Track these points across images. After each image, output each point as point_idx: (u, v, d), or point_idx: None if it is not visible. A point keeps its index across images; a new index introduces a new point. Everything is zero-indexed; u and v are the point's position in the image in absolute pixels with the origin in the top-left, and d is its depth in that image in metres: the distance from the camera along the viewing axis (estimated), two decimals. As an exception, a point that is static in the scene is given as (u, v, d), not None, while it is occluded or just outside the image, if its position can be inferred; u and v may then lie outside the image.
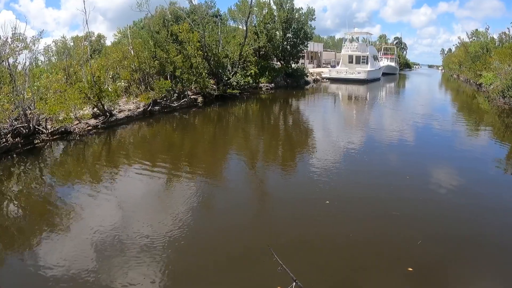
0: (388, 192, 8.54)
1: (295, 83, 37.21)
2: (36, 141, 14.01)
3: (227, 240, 6.41)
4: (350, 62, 50.40)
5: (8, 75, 15.34)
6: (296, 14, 36.64)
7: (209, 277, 5.33)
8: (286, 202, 8.13)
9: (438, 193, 8.46)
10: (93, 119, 15.97)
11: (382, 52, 72.69)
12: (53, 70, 17.85)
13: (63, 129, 14.80)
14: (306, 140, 14.92)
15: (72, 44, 23.06)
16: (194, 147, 14.11)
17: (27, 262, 6.08)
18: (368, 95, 34.70)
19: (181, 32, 22.35)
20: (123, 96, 18.61)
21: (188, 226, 6.85)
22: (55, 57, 24.23)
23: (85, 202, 8.38)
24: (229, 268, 5.54)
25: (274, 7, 35.84)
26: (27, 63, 16.11)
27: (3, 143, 13.37)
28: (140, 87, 19.18)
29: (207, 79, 22.97)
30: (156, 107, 18.75)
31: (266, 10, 35.22)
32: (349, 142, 13.44)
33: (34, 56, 17.23)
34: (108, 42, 32.60)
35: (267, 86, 31.95)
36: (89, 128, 15.42)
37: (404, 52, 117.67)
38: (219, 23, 28.34)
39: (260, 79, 31.04)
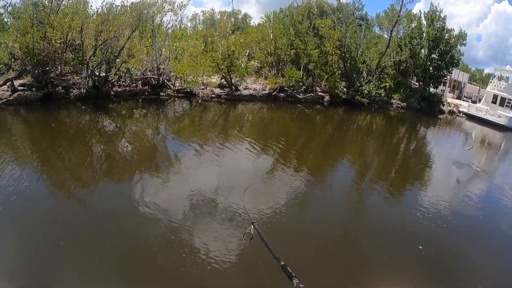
0: (487, 260, 6.33)
1: (428, 109, 33.38)
2: (162, 94, 14.65)
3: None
4: (493, 102, 43.94)
5: (151, 31, 15.98)
6: (446, 34, 32.82)
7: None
8: (376, 236, 6.52)
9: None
10: (218, 88, 15.86)
11: (534, 100, 62.68)
12: (194, 36, 18.17)
13: (188, 90, 15.10)
14: (422, 173, 12.21)
15: (218, 17, 23.63)
16: (306, 143, 12.87)
17: (123, 194, 6.44)
18: (502, 145, 29.03)
19: (323, 27, 21.27)
20: (252, 75, 18.23)
21: (275, 211, 6.41)
22: (200, 25, 25.13)
23: (189, 159, 8.68)
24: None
25: (424, 22, 32.59)
26: (170, 24, 16.65)
27: (133, 87, 14.12)
28: (271, 71, 18.58)
29: (339, 80, 21.45)
30: (281, 94, 17.96)
31: (415, 24, 32.20)
32: (467, 192, 10.35)
33: (179, 19, 17.77)
34: (252, 23, 33.08)
35: (398, 104, 29.11)
36: (212, 95, 15.37)
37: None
38: (364, 27, 26.56)
39: (393, 95, 28.40)
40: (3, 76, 17.20)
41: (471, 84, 66.61)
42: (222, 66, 15.90)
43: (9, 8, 21.54)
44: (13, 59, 17.85)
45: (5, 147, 9.56)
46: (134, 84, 14.66)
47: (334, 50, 21.24)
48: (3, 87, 16.10)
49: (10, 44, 17.50)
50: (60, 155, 8.98)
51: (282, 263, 1.44)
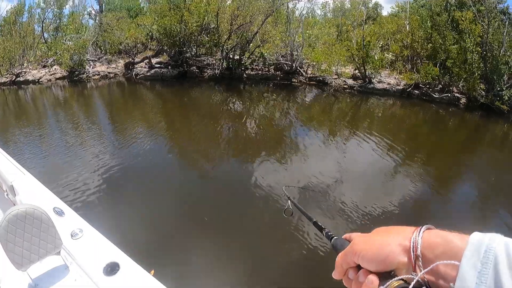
0: None
1: None
2: (294, 80, 14.50)
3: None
4: None
5: (285, 17, 15.74)
6: None
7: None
8: None
9: None
10: (351, 79, 15.00)
11: None
12: (326, 24, 17.47)
13: (320, 78, 14.61)
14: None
15: (349, 6, 22.78)
16: (434, 150, 10.70)
17: (242, 171, 6.71)
18: None
19: (463, 21, 19.07)
20: (386, 68, 16.99)
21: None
22: (330, 13, 24.54)
23: (311, 146, 8.54)
24: None
25: None
26: (304, 12, 16.23)
27: (265, 71, 14.12)
28: (406, 66, 17.13)
29: (478, 81, 19.11)
30: (415, 91, 16.44)
31: None
32: None
33: (312, 7, 17.29)
34: (383, 12, 31.41)
35: (540, 115, 25.40)
36: (345, 86, 14.62)
37: None
38: (507, 22, 23.42)
39: (534, 104, 24.79)
40: (140, 54, 18.28)
41: None
42: (356, 57, 14.95)
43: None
44: (149, 39, 18.89)
45: (141, 115, 10.78)
46: (267, 69, 14.58)
47: (474, 47, 18.98)
48: (141, 63, 17.05)
49: (148, 26, 18.49)
50: (189, 128, 9.69)
51: (314, 220, 1.14)
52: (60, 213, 2.67)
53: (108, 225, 4.31)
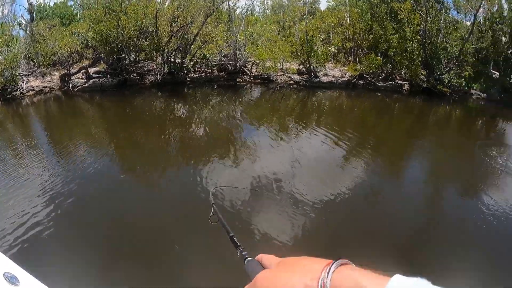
0: None
1: (509, 101, 30.48)
2: (239, 80, 14.37)
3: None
4: None
5: (227, 16, 15.50)
6: (530, 21, 29.61)
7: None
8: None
9: None
10: (297, 75, 15.04)
11: None
12: (267, 21, 17.36)
13: (266, 76, 14.53)
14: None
15: (286, 2, 22.74)
16: (383, 135, 11.12)
17: (193, 177, 6.45)
18: None
19: (402, 11, 19.63)
20: (330, 61, 17.12)
21: (341, 201, 5.82)
22: (269, 10, 24.44)
23: (263, 145, 8.46)
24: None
25: (506, 6, 29.60)
26: (245, 10, 16.05)
27: (209, 73, 13.89)
28: (349, 57, 17.34)
29: (419, 68, 19.77)
30: (360, 81, 16.70)
31: (496, 8, 29.33)
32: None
33: (252, 4, 17.16)
34: (321, 7, 31.67)
35: (478, 94, 26.66)
36: (290, 82, 14.68)
37: None
38: (443, 10, 24.41)
39: (472, 85, 26.02)
40: (76, 64, 17.29)
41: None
42: (300, 52, 14.93)
43: (79, 0, 21.87)
44: (85, 48, 17.92)
45: (81, 131, 9.88)
46: (210, 70, 14.21)
47: (414, 35, 19.61)
48: (77, 74, 16.12)
49: (83, 33, 17.53)
50: (134, 139, 9.16)
51: (231, 234, 1.05)
52: (13, 280, 1.99)
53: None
